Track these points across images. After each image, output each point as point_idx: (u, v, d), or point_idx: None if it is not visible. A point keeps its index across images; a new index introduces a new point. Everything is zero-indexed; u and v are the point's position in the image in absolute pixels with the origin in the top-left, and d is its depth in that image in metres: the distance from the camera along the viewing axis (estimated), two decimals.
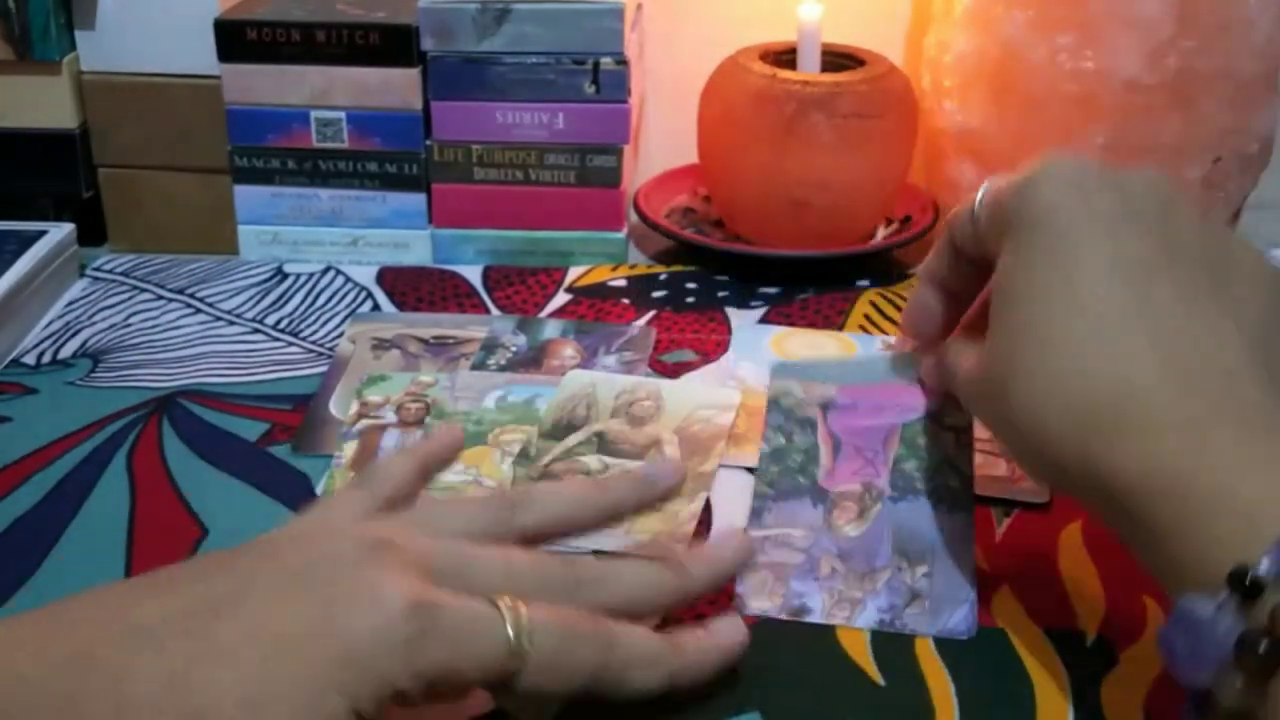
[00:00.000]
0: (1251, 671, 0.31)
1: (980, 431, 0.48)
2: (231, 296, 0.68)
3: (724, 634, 0.41)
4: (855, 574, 0.46)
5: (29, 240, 0.67)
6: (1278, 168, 0.72)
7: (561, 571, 0.39)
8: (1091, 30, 0.66)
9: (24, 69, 0.69)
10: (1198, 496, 0.34)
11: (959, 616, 0.45)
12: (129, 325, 0.65)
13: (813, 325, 0.65)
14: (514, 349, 0.62)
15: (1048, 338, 0.40)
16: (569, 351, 0.62)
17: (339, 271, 0.71)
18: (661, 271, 0.72)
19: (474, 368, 0.60)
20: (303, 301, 0.68)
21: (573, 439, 0.53)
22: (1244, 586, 0.31)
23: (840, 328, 0.65)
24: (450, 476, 0.51)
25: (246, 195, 0.72)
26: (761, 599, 0.45)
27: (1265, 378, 0.38)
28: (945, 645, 0.43)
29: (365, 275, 0.71)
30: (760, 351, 0.62)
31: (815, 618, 0.45)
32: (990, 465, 0.52)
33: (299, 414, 0.57)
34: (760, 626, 0.44)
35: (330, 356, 0.62)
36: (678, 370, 0.61)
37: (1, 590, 0.46)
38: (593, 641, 0.37)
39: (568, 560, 0.41)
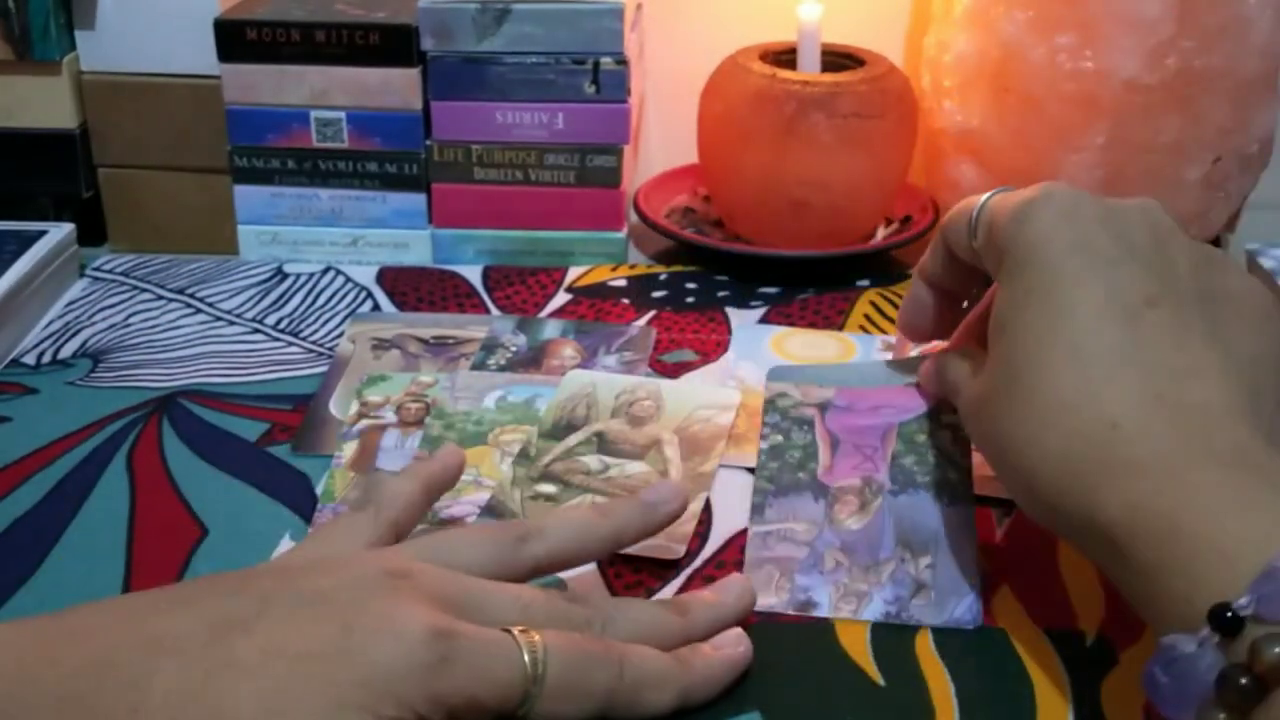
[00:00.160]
0: (1232, 707, 0.31)
1: None
2: (231, 296, 0.68)
3: (729, 647, 0.41)
4: (860, 567, 0.46)
5: (29, 240, 0.67)
6: (1278, 168, 0.72)
7: (571, 610, 0.40)
8: (1091, 30, 0.66)
9: (24, 69, 0.69)
10: (1181, 537, 0.35)
11: (964, 606, 0.45)
12: (129, 325, 0.65)
13: (813, 325, 0.65)
14: (514, 349, 0.62)
15: (1038, 381, 0.40)
16: (569, 351, 0.62)
17: (339, 271, 0.71)
18: (661, 271, 0.72)
19: (474, 368, 0.60)
20: (303, 301, 0.68)
21: (573, 439, 0.53)
22: (1224, 623, 0.32)
23: (840, 328, 0.65)
24: None
25: (246, 195, 0.72)
26: (768, 594, 0.45)
27: (1252, 417, 0.38)
28: (945, 645, 0.43)
29: (365, 275, 0.71)
30: (760, 351, 0.62)
31: (822, 611, 0.45)
32: None
33: (299, 414, 0.57)
34: (760, 626, 0.43)
35: (330, 356, 0.62)
36: (678, 370, 0.61)
37: (1, 590, 0.46)
38: (605, 664, 0.38)
39: (578, 598, 0.41)
